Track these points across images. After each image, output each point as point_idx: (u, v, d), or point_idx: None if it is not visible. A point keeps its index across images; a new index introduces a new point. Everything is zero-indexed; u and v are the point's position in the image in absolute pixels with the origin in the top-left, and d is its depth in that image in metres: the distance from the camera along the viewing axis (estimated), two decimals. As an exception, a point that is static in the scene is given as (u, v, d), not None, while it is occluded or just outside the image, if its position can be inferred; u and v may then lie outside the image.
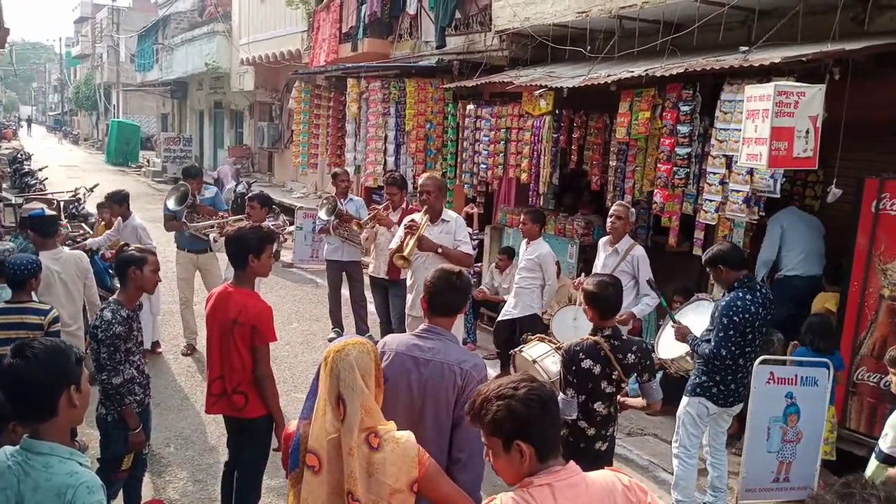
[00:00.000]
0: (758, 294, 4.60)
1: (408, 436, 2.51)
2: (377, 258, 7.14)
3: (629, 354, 3.81)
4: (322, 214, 8.18)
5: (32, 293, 4.68)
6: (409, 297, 6.14)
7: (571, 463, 2.06)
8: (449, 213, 6.17)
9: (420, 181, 6.21)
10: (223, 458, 4.48)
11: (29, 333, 4.28)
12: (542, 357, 4.60)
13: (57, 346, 2.34)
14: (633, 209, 6.48)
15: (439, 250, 5.85)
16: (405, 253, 5.77)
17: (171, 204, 7.57)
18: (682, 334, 4.82)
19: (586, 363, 3.80)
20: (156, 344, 7.81)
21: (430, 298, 3.10)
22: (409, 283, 6.24)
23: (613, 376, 3.80)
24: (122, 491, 4.31)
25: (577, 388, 3.81)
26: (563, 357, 3.91)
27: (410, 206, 7.12)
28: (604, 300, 3.88)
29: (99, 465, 4.13)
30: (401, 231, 6.12)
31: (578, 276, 7.03)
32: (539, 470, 2.00)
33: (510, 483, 2.07)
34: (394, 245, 6.15)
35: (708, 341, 4.64)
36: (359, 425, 2.44)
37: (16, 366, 2.24)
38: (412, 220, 6.03)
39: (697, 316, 5.18)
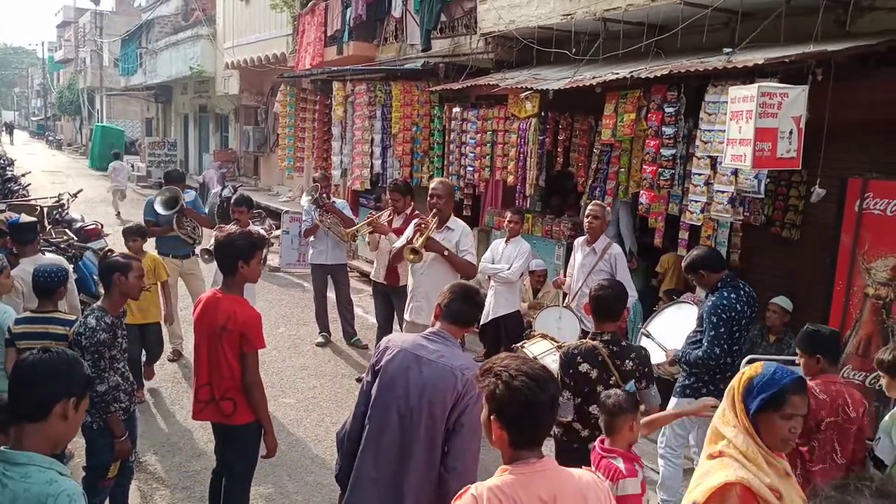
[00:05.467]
0: (742, 292, 4.64)
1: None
2: (377, 263, 7.11)
3: (627, 361, 3.82)
4: (304, 198, 8.24)
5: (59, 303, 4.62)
6: (408, 303, 6.02)
7: (547, 456, 2.15)
8: (456, 222, 6.00)
9: (431, 185, 6.08)
10: (211, 465, 4.44)
11: (53, 343, 4.16)
12: (542, 355, 4.59)
13: (76, 358, 2.43)
14: (608, 208, 6.50)
15: (445, 253, 5.71)
16: (416, 246, 5.68)
17: (160, 208, 7.53)
18: (673, 358, 4.82)
19: (583, 367, 3.81)
20: None
21: (447, 303, 3.13)
22: (409, 288, 6.10)
23: (611, 381, 3.81)
24: (108, 499, 4.27)
25: (573, 390, 3.81)
26: (560, 359, 3.91)
27: (416, 212, 6.91)
28: (599, 303, 3.90)
29: (85, 474, 4.10)
30: (409, 231, 6.03)
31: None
32: (516, 459, 2.12)
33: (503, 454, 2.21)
34: (399, 244, 6.05)
35: (697, 345, 4.66)
36: None
37: (34, 359, 2.32)
38: (422, 219, 5.95)
39: (677, 311, 5.21)
